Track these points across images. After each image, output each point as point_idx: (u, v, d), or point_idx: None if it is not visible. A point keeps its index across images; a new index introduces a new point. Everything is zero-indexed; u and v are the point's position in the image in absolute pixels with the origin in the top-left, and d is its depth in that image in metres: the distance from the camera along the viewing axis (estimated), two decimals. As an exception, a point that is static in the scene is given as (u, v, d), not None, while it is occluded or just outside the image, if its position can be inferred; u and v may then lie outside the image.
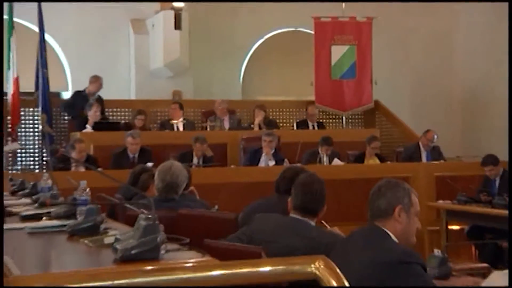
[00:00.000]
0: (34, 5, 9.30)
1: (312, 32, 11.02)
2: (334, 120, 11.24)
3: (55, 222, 3.24)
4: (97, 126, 9.09)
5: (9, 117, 9.15)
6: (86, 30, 10.77)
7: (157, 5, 10.67)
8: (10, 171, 7.90)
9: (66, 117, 9.94)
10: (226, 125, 9.85)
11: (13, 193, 5.13)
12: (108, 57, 10.91)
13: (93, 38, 10.82)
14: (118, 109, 10.28)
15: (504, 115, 11.36)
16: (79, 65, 10.85)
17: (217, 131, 9.56)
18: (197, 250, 2.33)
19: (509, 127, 8.60)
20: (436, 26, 12.43)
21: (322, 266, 1.16)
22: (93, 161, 7.69)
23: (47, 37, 9.98)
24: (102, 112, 9.54)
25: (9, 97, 9.16)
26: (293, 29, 12.04)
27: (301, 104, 11.01)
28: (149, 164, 6.40)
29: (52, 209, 3.61)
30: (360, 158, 9.00)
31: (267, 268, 1.26)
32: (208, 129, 9.59)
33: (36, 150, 9.52)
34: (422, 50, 12.43)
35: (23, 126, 9.46)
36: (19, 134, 9.26)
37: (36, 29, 9.59)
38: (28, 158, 9.41)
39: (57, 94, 10.93)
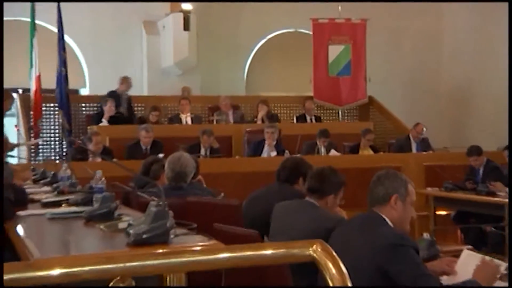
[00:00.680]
0: (55, 8, 9.28)
1: (311, 33, 10.99)
2: (331, 114, 11.21)
3: (73, 209, 3.25)
4: (112, 120, 9.10)
5: (31, 112, 9.16)
6: (102, 31, 10.78)
7: (167, 8, 10.68)
8: (32, 162, 7.91)
9: (84, 112, 9.95)
10: (231, 119, 9.85)
11: (35, 182, 5.14)
12: (122, 56, 10.93)
13: (109, 39, 10.84)
14: (132, 104, 10.27)
15: (488, 109, 11.36)
16: (96, 63, 10.89)
17: (222, 124, 9.55)
18: (204, 234, 2.32)
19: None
20: (425, 27, 12.43)
21: (319, 250, 1.14)
22: (109, 153, 7.70)
23: (67, 38, 9.98)
24: (130, 109, 9.60)
25: (31, 93, 9.17)
26: (293, 30, 12.03)
27: (300, 99, 10.99)
28: (160, 155, 6.39)
29: (70, 197, 3.61)
30: (355, 149, 9.00)
31: (268, 251, 1.24)
32: (214, 122, 9.58)
33: (57, 143, 9.53)
34: (412, 50, 12.44)
35: (44, 120, 9.46)
36: (41, 128, 9.25)
37: (56, 30, 9.57)
38: (49, 150, 9.41)
39: (76, 91, 10.95)
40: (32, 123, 9.09)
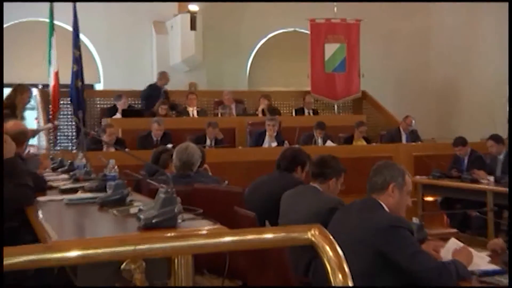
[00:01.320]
0: (71, 9, 9.26)
1: (308, 32, 10.94)
2: (327, 108, 11.19)
3: (88, 195, 3.24)
4: (125, 113, 9.10)
5: (50, 106, 9.18)
6: (116, 31, 10.78)
7: (175, 9, 10.67)
8: (51, 151, 7.91)
9: (98, 106, 9.96)
10: (234, 112, 9.83)
11: (53, 170, 5.14)
12: (133, 54, 10.93)
13: (121, 38, 10.84)
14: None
15: (472, 103, 11.35)
16: (109, 61, 10.89)
17: (226, 117, 9.53)
18: (209, 219, 2.31)
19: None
20: (414, 28, 12.40)
21: (317, 233, 1.13)
22: (121, 143, 7.68)
23: (83, 37, 9.98)
24: (166, 103, 9.54)
25: (50, 89, 9.17)
26: (292, 29, 11.98)
27: (299, 94, 10.98)
28: (169, 146, 6.38)
29: (85, 184, 3.61)
30: (349, 140, 8.99)
31: (269, 235, 1.23)
32: (219, 115, 9.56)
33: (74, 134, 9.53)
34: (403, 48, 12.39)
35: (62, 113, 9.46)
36: (59, 120, 9.27)
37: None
38: (66, 140, 9.42)
39: (91, 86, 10.94)
40: (50, 116, 9.09)
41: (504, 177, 6.27)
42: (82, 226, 2.82)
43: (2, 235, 2.44)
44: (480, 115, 10.55)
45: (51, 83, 9.14)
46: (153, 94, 9.69)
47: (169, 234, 2.03)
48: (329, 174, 3.48)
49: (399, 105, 11.29)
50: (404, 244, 2.48)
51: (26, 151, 4.46)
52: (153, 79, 10.95)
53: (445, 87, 12.21)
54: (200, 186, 3.83)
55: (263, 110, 9.76)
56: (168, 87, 10.20)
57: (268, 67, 12.03)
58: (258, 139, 8.38)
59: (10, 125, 4.00)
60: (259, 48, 11.98)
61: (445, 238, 3.85)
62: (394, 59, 12.28)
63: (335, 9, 11.00)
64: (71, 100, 9.33)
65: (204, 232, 2.11)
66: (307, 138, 8.52)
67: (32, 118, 9.07)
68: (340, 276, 1.07)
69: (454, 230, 5.43)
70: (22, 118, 6.85)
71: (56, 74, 9.11)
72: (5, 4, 9.88)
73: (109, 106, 9.56)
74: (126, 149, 6.89)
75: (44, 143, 8.60)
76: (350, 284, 1.05)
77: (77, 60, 9.25)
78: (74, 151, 5.20)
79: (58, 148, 8.60)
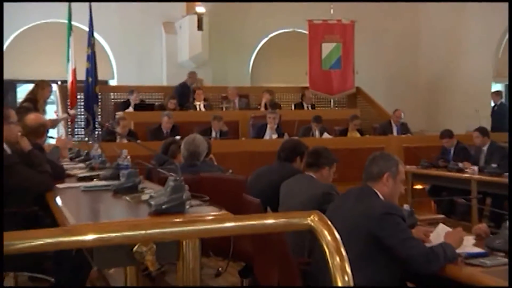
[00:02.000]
0: (87, 10, 9.23)
1: (307, 32, 10.91)
2: (324, 102, 11.17)
3: (103, 182, 3.24)
4: (137, 107, 9.10)
5: (68, 100, 9.17)
6: (128, 30, 10.77)
7: (183, 10, 10.67)
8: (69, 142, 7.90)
9: (112, 100, 9.95)
10: (237, 106, 9.81)
11: (71, 159, 5.13)
12: (145, 52, 10.91)
13: (134, 37, 10.83)
14: (153, 93, 10.26)
15: (458, 98, 11.33)
16: (123, 58, 10.89)
17: (231, 111, 9.52)
18: (215, 205, 2.31)
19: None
20: (405, 28, 12.40)
21: (316, 219, 1.12)
22: (134, 135, 7.68)
23: (98, 36, 9.96)
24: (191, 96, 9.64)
25: (68, 84, 9.18)
26: (291, 29, 11.94)
27: (297, 89, 10.96)
28: (177, 137, 6.37)
29: (100, 172, 3.60)
30: (344, 132, 8.96)
31: (271, 221, 1.22)
32: (224, 109, 9.55)
33: (88, 126, 9.53)
34: (394, 47, 12.37)
35: (79, 107, 9.45)
36: (76, 109, 9.28)
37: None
38: (83, 132, 9.42)
39: (105, 82, 10.92)
40: (69, 109, 9.09)
41: (487, 167, 6.27)
42: (98, 211, 2.82)
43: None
44: (465, 109, 10.53)
45: (69, 79, 9.16)
46: (184, 91, 9.74)
47: (177, 219, 2.02)
48: (322, 163, 3.50)
49: (390, 100, 11.26)
50: (396, 230, 2.47)
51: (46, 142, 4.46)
52: (163, 75, 10.97)
53: (433, 83, 12.20)
54: (206, 174, 3.82)
55: (265, 104, 9.74)
56: (176, 82, 10.19)
57: (269, 65, 12.01)
58: (259, 132, 8.36)
59: (31, 117, 4.00)
60: (261, 46, 11.95)
61: (433, 223, 3.85)
62: (385, 58, 12.25)
63: (332, 11, 10.97)
64: (85, 95, 9.32)
65: (210, 217, 2.10)
66: (305, 130, 8.50)
67: (51, 112, 9.08)
68: (337, 258, 1.06)
69: (441, 216, 5.42)
70: (44, 111, 6.87)
71: (74, 71, 9.11)
72: (26, 7, 9.96)
73: (122, 100, 9.54)
74: (138, 141, 6.89)
75: (62, 135, 8.60)
76: (347, 265, 1.04)
77: (90, 58, 9.24)
78: (90, 142, 5.18)
79: (75, 139, 8.59)
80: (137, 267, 2.73)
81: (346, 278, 1.04)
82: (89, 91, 9.28)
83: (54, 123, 7.00)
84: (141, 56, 10.84)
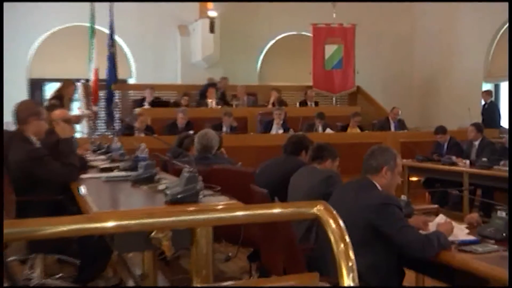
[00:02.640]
0: (108, 14, 9.23)
1: (311, 35, 10.86)
2: (326, 100, 11.13)
3: (123, 173, 3.24)
4: (153, 104, 9.11)
5: (91, 97, 9.19)
6: (146, 33, 10.78)
7: (197, 14, 10.64)
8: (91, 137, 7.94)
9: (131, 97, 9.97)
10: (246, 103, 9.80)
11: (93, 152, 5.15)
12: (161, 53, 10.92)
13: (151, 39, 10.84)
14: (168, 91, 10.26)
15: (451, 97, 11.25)
16: (140, 58, 10.91)
17: (240, 108, 9.51)
18: (226, 195, 2.30)
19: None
20: (401, 31, 12.34)
21: (322, 208, 1.11)
22: (151, 129, 7.68)
23: (118, 38, 9.97)
24: (223, 97, 9.63)
25: (91, 83, 9.19)
26: (296, 32, 11.87)
27: (302, 88, 10.92)
28: (191, 132, 6.37)
29: (120, 164, 3.61)
30: (345, 128, 8.94)
31: (279, 210, 1.21)
32: (234, 106, 9.54)
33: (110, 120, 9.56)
34: (391, 48, 12.31)
35: (101, 104, 9.48)
36: (98, 106, 9.31)
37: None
38: (104, 127, 9.46)
39: (124, 81, 10.94)
40: (92, 105, 9.12)
41: (478, 160, 6.24)
42: (118, 200, 2.82)
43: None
44: (458, 106, 10.46)
45: (92, 78, 9.17)
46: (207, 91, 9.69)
47: (191, 208, 2.02)
48: (325, 156, 3.50)
49: (388, 98, 11.21)
50: (393, 219, 2.46)
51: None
52: (177, 74, 10.99)
53: (428, 83, 12.13)
54: (218, 166, 3.82)
55: (273, 102, 9.72)
56: (190, 81, 10.19)
57: (276, 65, 11.96)
58: (266, 127, 8.35)
59: (57, 113, 4.00)
60: (269, 48, 11.91)
61: (427, 213, 3.82)
62: (383, 59, 12.20)
63: (334, 15, 10.91)
64: (106, 93, 9.34)
65: (222, 206, 2.09)
66: (309, 126, 8.48)
67: (76, 108, 9.11)
68: (342, 245, 1.05)
69: (435, 206, 5.39)
70: (69, 108, 6.90)
71: (96, 70, 9.13)
72: (53, 11, 9.98)
73: (140, 98, 9.56)
74: (155, 135, 6.89)
75: (85, 129, 8.64)
76: (351, 252, 1.03)
77: (110, 58, 9.26)
78: (111, 136, 5.19)
79: (97, 133, 8.63)
80: (153, 251, 2.73)
81: (350, 264, 1.03)
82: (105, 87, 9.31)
83: (78, 119, 7.03)
84: (158, 57, 10.85)
